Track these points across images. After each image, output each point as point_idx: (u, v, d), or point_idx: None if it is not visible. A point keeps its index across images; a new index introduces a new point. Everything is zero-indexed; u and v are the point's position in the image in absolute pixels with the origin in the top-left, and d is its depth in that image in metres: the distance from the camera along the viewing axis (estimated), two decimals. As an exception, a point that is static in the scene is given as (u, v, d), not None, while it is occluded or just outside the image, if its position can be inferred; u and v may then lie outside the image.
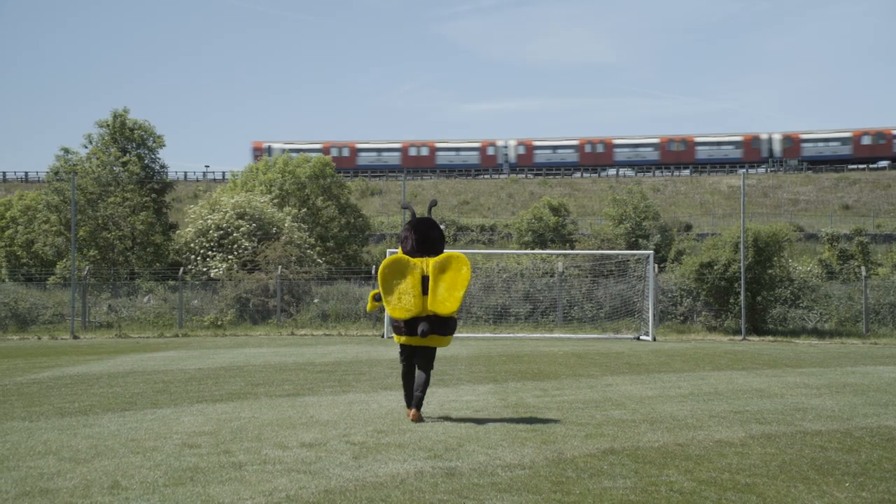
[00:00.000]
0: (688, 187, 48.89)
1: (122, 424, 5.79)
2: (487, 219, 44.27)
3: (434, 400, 7.05)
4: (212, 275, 22.59)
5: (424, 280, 5.40)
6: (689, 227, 37.10)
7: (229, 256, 23.16)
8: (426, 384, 5.66)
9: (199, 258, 23.56)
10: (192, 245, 23.99)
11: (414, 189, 50.51)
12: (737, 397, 7.33)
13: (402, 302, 5.39)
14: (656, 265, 19.65)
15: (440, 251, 5.66)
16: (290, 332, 18.99)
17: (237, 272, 21.66)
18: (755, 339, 17.71)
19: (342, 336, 18.73)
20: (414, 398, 5.69)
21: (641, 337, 17.58)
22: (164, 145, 29.96)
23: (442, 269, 5.47)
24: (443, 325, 5.50)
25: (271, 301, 20.86)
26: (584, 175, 54.08)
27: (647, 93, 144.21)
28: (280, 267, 21.25)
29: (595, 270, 21.04)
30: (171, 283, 21.94)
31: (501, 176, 53.84)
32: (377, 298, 5.84)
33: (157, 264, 25.09)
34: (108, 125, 28.07)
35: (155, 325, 19.97)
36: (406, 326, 5.51)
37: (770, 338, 17.91)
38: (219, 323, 19.94)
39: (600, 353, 13.01)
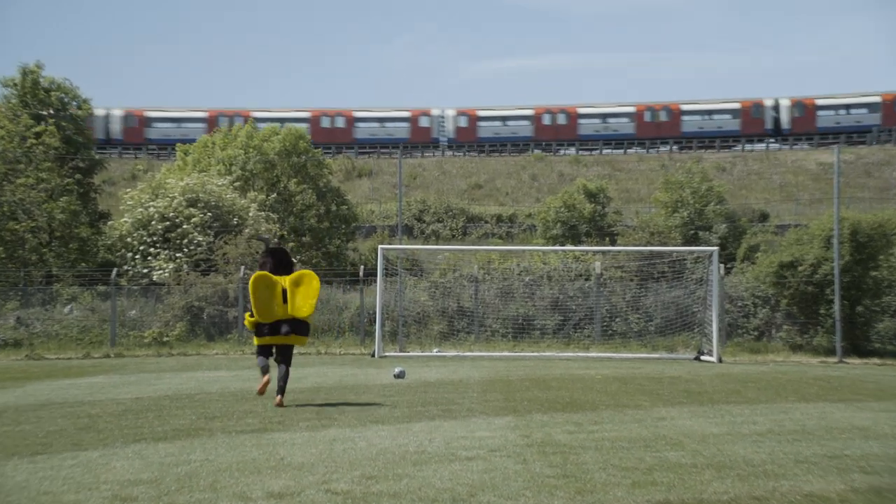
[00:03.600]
0: (763, 165, 48.73)
1: (31, 473, 5.69)
2: (505, 207, 44.27)
3: (438, 436, 7.01)
4: (155, 278, 22.66)
5: (283, 292, 8.91)
6: (764, 217, 36.94)
7: (178, 254, 23.22)
8: (287, 375, 9.09)
9: (138, 256, 23.63)
10: (128, 240, 24.07)
11: (413, 169, 50.54)
12: (832, 437, 7.23)
13: (268, 309, 8.82)
14: (722, 265, 19.51)
15: (292, 271, 9.22)
16: (254, 351, 18.97)
17: (188, 274, 21.72)
18: (855, 361, 17.58)
19: (322, 355, 18.70)
20: (279, 387, 8.98)
21: (703, 357, 17.50)
22: (90, 112, 30.03)
23: (296, 283, 9.00)
24: (301, 327, 9.07)
25: (231, 311, 20.91)
26: (633, 150, 53.61)
27: (722, 45, 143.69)
28: (243, 268, 21.28)
29: (643, 272, 20.96)
30: (101, 288, 21.99)
31: (523, 150, 53.72)
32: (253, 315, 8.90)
33: (83, 264, 25.14)
34: (14, 85, 28.13)
35: (79, 342, 20.03)
36: (269, 329, 8.95)
37: (875, 360, 17.77)
38: (163, 339, 20.01)
39: (650, 377, 12.94)
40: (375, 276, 18.80)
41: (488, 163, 52.62)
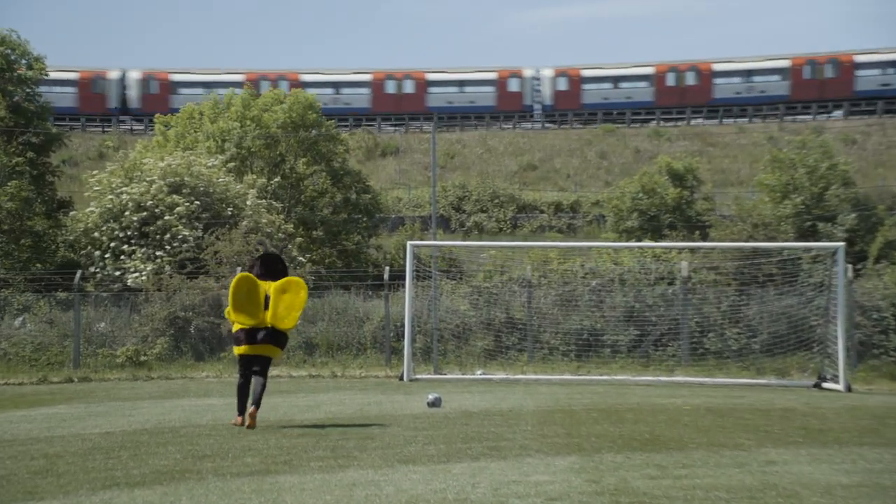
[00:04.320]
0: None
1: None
2: (566, 192, 44.13)
3: (484, 480, 7.00)
4: (129, 282, 22.99)
5: (266, 298, 9.81)
6: (907, 204, 36.17)
7: (158, 253, 23.54)
8: (263, 388, 10.08)
9: (108, 256, 24.00)
10: (96, 235, 24.43)
11: (449, 146, 50.58)
12: None
13: (246, 313, 9.78)
14: (850, 266, 19.12)
15: (281, 277, 10.08)
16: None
17: (171, 278, 22.00)
18: None
19: (337, 378, 18.79)
20: (253, 399, 9.96)
21: (825, 384, 17.22)
22: (45, 74, 30.28)
23: (283, 290, 9.85)
24: (278, 338, 10.02)
25: (226, 324, 21.09)
26: (789, 119, 50.88)
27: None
28: (239, 269, 21.45)
29: (744, 275, 20.70)
30: (62, 295, 22.30)
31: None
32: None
33: (38, 266, 25.54)
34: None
35: (33, 363, 20.36)
36: (246, 336, 9.93)
37: None
38: (140, 359, 20.29)
39: (754, 409, 12.77)
40: (403, 279, 18.82)
41: (544, 137, 52.45)
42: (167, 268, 22.84)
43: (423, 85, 53.93)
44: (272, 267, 10.25)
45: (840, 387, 16.64)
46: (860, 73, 50.34)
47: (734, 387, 17.06)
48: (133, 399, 14.34)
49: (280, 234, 25.47)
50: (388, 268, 22.43)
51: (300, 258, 25.47)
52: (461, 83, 54.05)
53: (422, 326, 20.21)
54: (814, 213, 28.50)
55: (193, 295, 21.31)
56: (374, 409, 12.23)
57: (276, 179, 29.89)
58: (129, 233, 24.04)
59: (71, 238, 25.70)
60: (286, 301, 9.82)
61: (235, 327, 10.09)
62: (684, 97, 52.43)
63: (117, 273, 23.50)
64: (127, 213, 24.13)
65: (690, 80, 52.24)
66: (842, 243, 18.57)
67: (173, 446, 8.86)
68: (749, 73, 51.81)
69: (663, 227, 32.44)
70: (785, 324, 19.47)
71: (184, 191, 24.64)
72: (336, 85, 53.83)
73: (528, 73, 54.05)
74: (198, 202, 24.51)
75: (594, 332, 20.39)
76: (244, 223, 24.07)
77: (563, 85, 53.24)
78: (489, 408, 12.40)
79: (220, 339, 21.05)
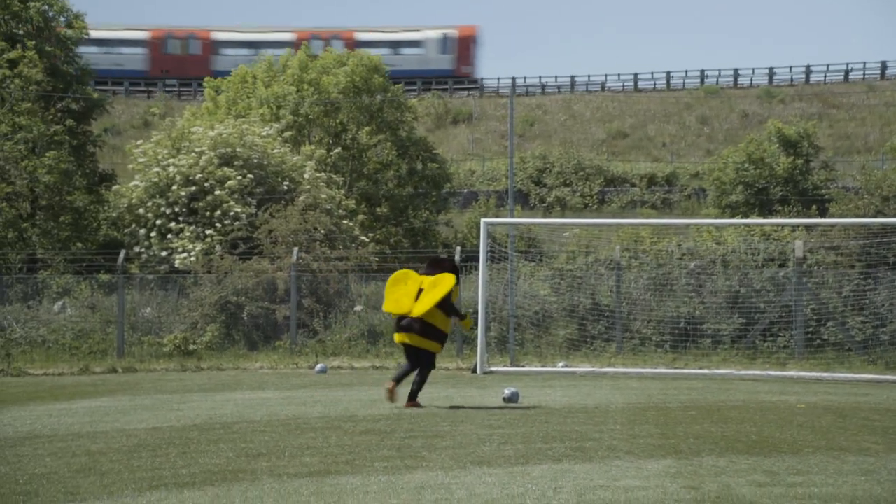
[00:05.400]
0: None
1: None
2: (661, 163, 43.63)
3: (567, 484, 6.98)
4: (177, 263, 23.41)
5: (420, 292, 11.58)
6: None
7: (208, 231, 23.91)
8: (422, 382, 11.83)
9: (153, 234, 24.43)
10: (140, 211, 24.88)
11: (530, 111, 50.40)
12: None
13: (397, 300, 11.69)
14: None
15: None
16: (314, 362, 19.42)
17: (222, 259, 22.30)
18: None
19: (402, 371, 18.95)
20: (410, 392, 11.78)
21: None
22: (86, 34, 30.66)
23: (434, 284, 11.58)
24: (423, 328, 11.58)
25: (281, 309, 21.38)
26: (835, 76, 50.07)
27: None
28: (297, 250, 21.73)
29: (870, 255, 20.26)
30: (104, 277, 22.69)
31: (687, 82, 52.37)
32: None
33: (79, 245, 26.07)
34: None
35: (74, 352, 20.74)
36: (396, 323, 11.93)
37: None
38: (189, 348, 20.65)
39: (883, 408, 12.52)
40: (476, 261, 18.82)
41: (637, 101, 51.87)
42: (218, 248, 23.14)
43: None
44: (438, 265, 12.08)
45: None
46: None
47: (858, 383, 16.71)
48: (181, 391, 14.61)
49: (340, 211, 25.66)
50: (459, 248, 22.45)
51: (362, 237, 25.63)
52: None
53: (497, 313, 20.22)
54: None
55: (246, 278, 21.57)
56: (444, 405, 12.27)
57: (336, 150, 30.10)
58: (176, 209, 24.41)
59: (114, 215, 26.15)
60: (432, 293, 11.46)
61: (385, 308, 12.32)
62: (184, 68, 51.69)
63: (164, 253, 23.89)
64: (174, 187, 24.48)
65: (192, 48, 52.04)
66: None
67: (225, 444, 9.00)
68: (255, 45, 51.43)
69: (773, 202, 31.87)
70: (917, 311, 19.05)
71: (236, 163, 24.95)
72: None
73: None
74: (251, 175, 24.81)
75: (692, 321, 20.18)
76: (301, 198, 24.26)
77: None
78: (572, 404, 12.36)
79: (275, 327, 21.33)
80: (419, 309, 11.41)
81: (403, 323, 11.59)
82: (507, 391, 12.52)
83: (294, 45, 50.55)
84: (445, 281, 11.58)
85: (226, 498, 6.68)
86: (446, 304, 11.57)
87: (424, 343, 11.61)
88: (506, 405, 12.14)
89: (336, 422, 10.49)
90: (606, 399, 13.06)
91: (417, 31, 54.48)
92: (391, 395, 11.56)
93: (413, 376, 11.77)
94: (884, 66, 55.13)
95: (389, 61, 51.04)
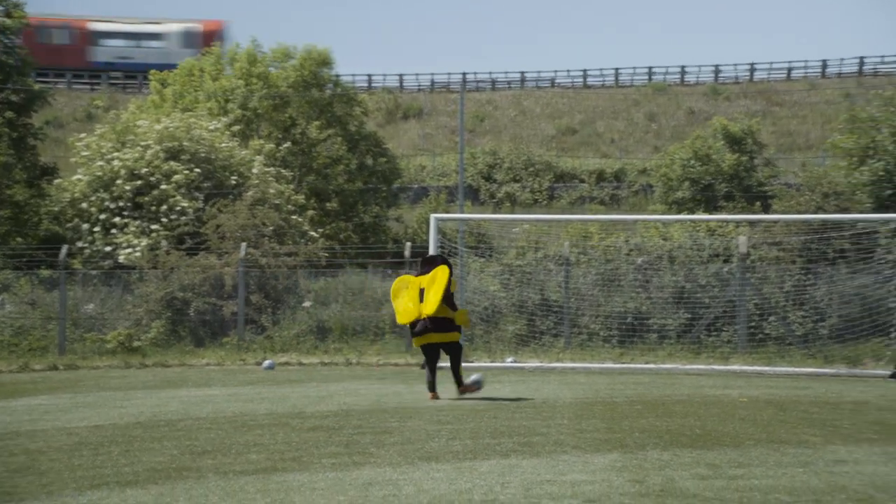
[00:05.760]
0: None
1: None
2: (609, 159, 43.96)
3: (515, 479, 7.01)
4: (121, 259, 23.16)
5: (422, 292, 12.02)
6: None
7: (153, 226, 23.69)
8: (458, 366, 12.33)
9: (97, 229, 24.17)
10: (84, 206, 24.63)
11: (480, 107, 50.45)
12: None
13: (405, 309, 12.11)
14: (932, 240, 18.99)
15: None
16: (262, 358, 19.34)
17: (168, 254, 22.14)
18: None
19: (353, 366, 18.88)
20: (455, 381, 12.40)
21: (902, 374, 17.11)
22: (26, 23, 30.18)
23: (431, 280, 12.03)
24: (438, 325, 12.06)
25: (229, 305, 21.25)
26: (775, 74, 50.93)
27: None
28: (245, 245, 21.59)
29: (811, 251, 20.55)
30: (45, 273, 22.50)
31: (635, 79, 52.78)
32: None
33: (18, 240, 25.70)
34: None
35: (13, 349, 20.55)
36: (410, 329, 12.44)
37: None
38: (133, 344, 20.48)
39: (822, 402, 12.70)
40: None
41: (586, 97, 52.17)
42: (164, 243, 22.98)
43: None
44: (430, 262, 12.47)
45: (919, 377, 16.53)
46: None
47: (798, 377, 16.94)
48: (125, 389, 14.46)
49: (290, 206, 25.53)
50: (409, 244, 22.46)
51: (312, 232, 25.53)
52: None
53: (447, 309, 20.25)
54: (895, 180, 28.09)
55: (193, 273, 21.43)
56: (392, 401, 12.27)
57: (285, 145, 29.96)
58: (121, 204, 24.18)
59: (56, 209, 25.80)
60: (434, 288, 11.90)
61: (399, 321, 12.62)
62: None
63: (108, 248, 23.64)
64: (119, 181, 24.24)
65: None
66: (924, 215, 18.34)
67: (169, 441, 8.93)
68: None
69: (719, 198, 32.24)
70: (858, 306, 19.35)
71: (183, 157, 24.74)
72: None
73: None
74: (198, 170, 24.61)
75: (639, 316, 20.35)
76: (249, 193, 24.13)
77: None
78: (521, 399, 12.42)
79: (222, 323, 21.19)
80: (428, 309, 11.87)
81: (418, 329, 12.04)
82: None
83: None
84: (441, 274, 12.03)
85: (170, 496, 6.62)
86: (448, 296, 12.02)
87: (444, 337, 12.11)
88: (460, 398, 12.19)
89: (283, 418, 10.45)
90: (554, 394, 13.14)
91: (159, 23, 53.98)
92: (463, 391, 12.30)
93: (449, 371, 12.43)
94: (825, 64, 56.10)
95: (129, 53, 50.85)
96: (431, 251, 18.36)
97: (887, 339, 18.56)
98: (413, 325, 12.12)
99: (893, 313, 18.47)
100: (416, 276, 12.36)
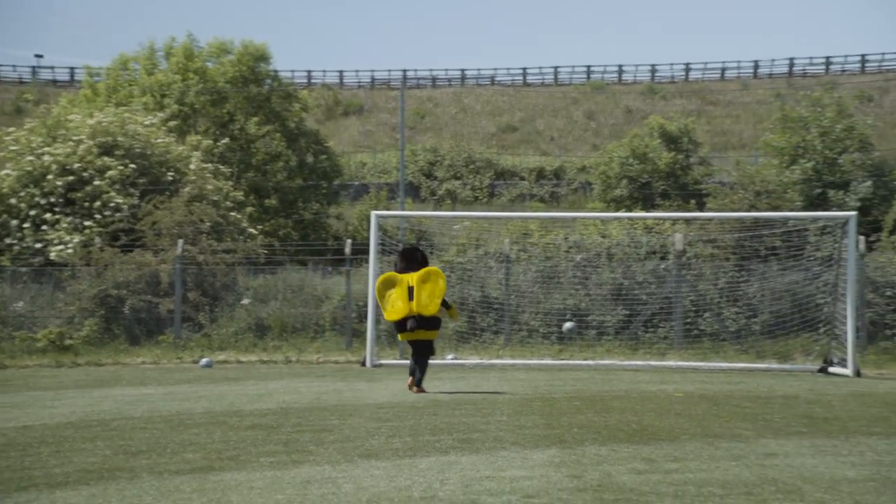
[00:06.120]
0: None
1: None
2: (549, 157, 44.24)
3: (454, 476, 7.04)
4: (53, 256, 22.83)
5: (410, 290, 12.32)
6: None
7: (87, 223, 23.38)
8: (423, 368, 12.73)
9: (27, 225, 23.79)
10: (12, 201, 24.21)
11: (421, 104, 50.48)
12: None
13: (394, 307, 12.35)
14: (862, 238, 19.37)
15: (421, 269, 12.66)
16: (199, 356, 19.18)
17: (102, 251, 21.87)
18: None
19: (292, 364, 18.77)
20: (416, 380, 12.66)
21: (832, 369, 17.45)
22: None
23: (423, 280, 12.37)
24: (428, 322, 12.47)
25: (165, 303, 21.04)
26: (732, 71, 51.87)
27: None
28: (182, 242, 21.40)
29: (744, 248, 20.88)
30: (-24, 270, 22.12)
31: (574, 77, 53.25)
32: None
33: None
34: None
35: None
36: (398, 326, 12.68)
37: None
38: (65, 343, 20.16)
39: (753, 396, 12.92)
40: (367, 253, 18.79)
41: (525, 95, 52.46)
42: (97, 240, 22.75)
43: None
44: (412, 260, 12.66)
45: (848, 371, 16.83)
46: None
47: (731, 372, 17.22)
48: (55, 388, 14.23)
49: (228, 202, 25.34)
50: (349, 241, 22.37)
51: (251, 229, 25.37)
52: None
53: (386, 306, 20.23)
54: (824, 180, 28.67)
55: (128, 271, 21.21)
56: (332, 398, 12.23)
57: (223, 141, 29.69)
58: (52, 199, 23.87)
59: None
60: (427, 290, 12.24)
61: (388, 319, 12.76)
62: None
63: (38, 245, 23.30)
64: (50, 176, 23.93)
65: None
66: (853, 213, 18.70)
67: (102, 441, 8.80)
68: None
69: (655, 196, 32.63)
70: (788, 302, 19.68)
71: (117, 152, 24.49)
72: None
73: None
74: (133, 165, 24.37)
75: (578, 312, 20.53)
76: (187, 190, 23.96)
77: None
78: (461, 396, 12.45)
79: (158, 321, 20.97)
80: (430, 310, 12.25)
81: (409, 326, 12.31)
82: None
83: None
84: (437, 274, 12.48)
85: (102, 497, 6.52)
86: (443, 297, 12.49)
87: (428, 334, 12.54)
88: (405, 394, 12.19)
89: (221, 417, 10.37)
90: (494, 391, 13.21)
91: None
92: (419, 391, 12.53)
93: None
94: (756, 65, 57.15)
95: None
96: (372, 248, 18.34)
97: (816, 334, 18.91)
98: (401, 322, 12.37)
99: (822, 309, 18.81)
100: (399, 272, 12.55)
